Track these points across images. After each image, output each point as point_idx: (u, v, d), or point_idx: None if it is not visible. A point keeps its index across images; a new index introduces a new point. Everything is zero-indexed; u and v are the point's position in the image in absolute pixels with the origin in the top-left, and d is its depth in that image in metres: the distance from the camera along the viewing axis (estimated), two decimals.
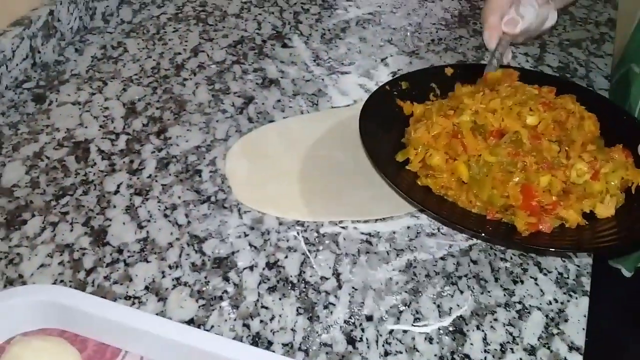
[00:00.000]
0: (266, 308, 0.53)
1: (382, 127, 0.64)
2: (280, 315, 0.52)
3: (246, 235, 0.59)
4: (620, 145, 0.60)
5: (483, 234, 0.55)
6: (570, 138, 0.59)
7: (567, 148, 0.58)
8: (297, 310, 0.53)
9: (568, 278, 0.56)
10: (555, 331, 0.52)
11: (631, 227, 0.56)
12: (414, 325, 0.52)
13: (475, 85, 0.67)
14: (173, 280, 0.55)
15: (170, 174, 0.65)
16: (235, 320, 0.52)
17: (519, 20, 0.67)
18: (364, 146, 0.61)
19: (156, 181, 0.64)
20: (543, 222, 0.55)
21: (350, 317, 0.52)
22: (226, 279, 0.55)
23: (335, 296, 0.54)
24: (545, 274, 0.57)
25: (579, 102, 0.64)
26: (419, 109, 0.66)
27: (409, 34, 0.90)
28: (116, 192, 0.63)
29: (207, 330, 0.50)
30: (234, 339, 0.50)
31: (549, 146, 0.58)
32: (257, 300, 0.54)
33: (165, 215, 0.61)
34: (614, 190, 0.57)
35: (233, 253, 0.57)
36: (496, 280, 0.56)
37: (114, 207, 0.62)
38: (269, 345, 0.50)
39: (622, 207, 0.58)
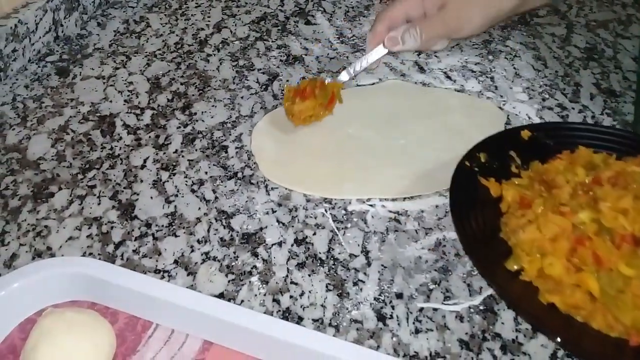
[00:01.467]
0: (296, 284, 0.53)
1: (478, 217, 0.55)
2: (310, 291, 0.52)
3: (274, 211, 0.59)
4: None
5: None
6: None
7: None
8: (327, 286, 0.53)
9: None
10: None
11: None
12: (444, 304, 0.52)
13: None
14: (202, 254, 0.55)
15: (196, 150, 0.65)
16: (265, 295, 0.52)
17: (398, 43, 0.69)
18: (465, 251, 0.54)
19: (182, 156, 0.64)
20: None
21: (380, 295, 0.52)
22: (255, 255, 0.55)
23: (365, 273, 0.54)
24: None
25: None
26: (511, 193, 0.56)
27: None
28: (143, 166, 0.63)
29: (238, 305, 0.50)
30: (264, 313, 0.50)
31: None
32: (287, 276, 0.53)
33: (193, 191, 0.61)
34: None
35: (261, 229, 0.57)
36: None
37: (141, 181, 0.61)
38: (299, 321, 0.50)
39: None
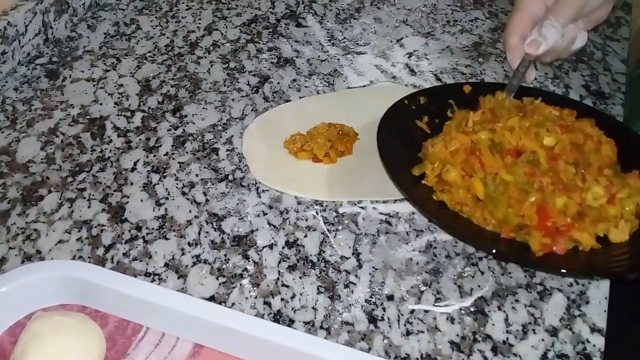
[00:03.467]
0: (287, 286, 0.53)
1: (400, 140, 0.63)
2: (301, 294, 0.52)
3: (265, 214, 0.59)
4: (637, 172, 0.59)
5: (496, 252, 0.54)
6: (587, 161, 0.58)
7: (583, 171, 0.57)
8: (318, 289, 0.53)
9: None
10: (576, 313, 0.52)
11: None
12: (435, 305, 0.52)
13: (479, 108, 0.65)
14: (193, 257, 0.55)
15: (187, 152, 0.65)
16: (256, 298, 0.52)
17: (541, 42, 0.65)
18: (380, 157, 0.60)
19: (173, 159, 0.64)
20: (557, 244, 0.53)
21: (371, 297, 0.52)
22: (246, 257, 0.55)
23: (356, 275, 0.54)
24: None
25: (597, 127, 0.63)
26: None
27: (424, 15, 0.89)
28: (133, 169, 0.63)
29: (229, 308, 0.50)
30: (255, 316, 0.50)
31: (566, 168, 0.57)
32: (278, 278, 0.53)
33: (184, 193, 0.60)
34: (629, 215, 0.56)
35: (252, 231, 0.57)
36: None
37: (131, 184, 0.61)
38: (290, 323, 0.50)
39: (635, 232, 0.56)
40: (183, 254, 0.55)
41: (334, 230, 0.58)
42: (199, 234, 0.57)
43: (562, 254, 0.53)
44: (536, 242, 0.53)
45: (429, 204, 0.58)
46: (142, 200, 0.60)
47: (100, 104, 0.71)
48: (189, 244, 0.56)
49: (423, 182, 0.60)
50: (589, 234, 0.54)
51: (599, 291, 0.54)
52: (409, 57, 0.80)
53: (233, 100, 0.72)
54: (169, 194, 0.60)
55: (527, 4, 0.67)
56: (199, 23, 0.85)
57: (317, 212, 0.59)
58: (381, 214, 0.59)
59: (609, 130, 0.63)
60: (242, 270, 0.54)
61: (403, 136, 0.64)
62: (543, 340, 0.50)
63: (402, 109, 0.67)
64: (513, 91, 0.67)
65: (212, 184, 0.61)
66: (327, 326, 0.50)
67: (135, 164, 0.63)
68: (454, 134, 0.61)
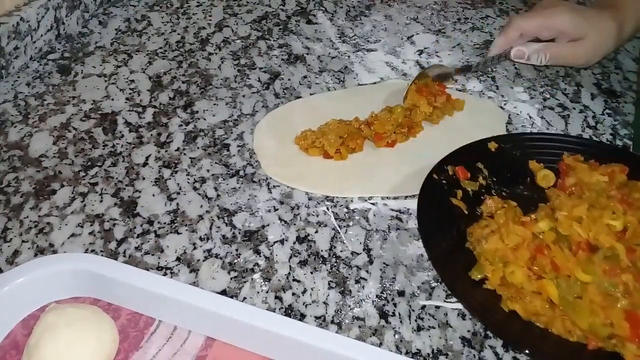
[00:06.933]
0: (298, 281, 0.53)
1: (441, 228, 0.55)
2: (312, 289, 0.52)
3: (276, 209, 0.59)
4: None
5: None
6: None
7: None
8: (329, 284, 0.53)
9: None
10: None
11: None
12: (446, 302, 0.52)
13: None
14: (204, 252, 0.55)
15: (198, 148, 0.65)
16: (267, 292, 0.52)
17: (524, 57, 0.71)
18: (430, 258, 0.54)
19: (184, 154, 0.64)
20: None
21: (382, 292, 0.52)
22: (257, 252, 0.55)
23: (367, 271, 0.54)
24: None
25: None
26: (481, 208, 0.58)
27: (434, 12, 0.89)
28: (145, 164, 0.63)
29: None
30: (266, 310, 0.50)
31: None
32: (289, 273, 0.53)
33: (195, 188, 0.61)
34: None
35: (263, 227, 0.57)
36: None
37: (143, 179, 0.61)
38: (301, 318, 0.50)
39: None
40: (195, 248, 0.55)
41: (344, 226, 0.58)
42: (211, 228, 0.57)
43: None
44: (631, 356, 0.46)
45: (497, 314, 0.50)
46: (153, 195, 0.60)
47: (112, 99, 0.71)
48: (200, 238, 0.56)
49: (484, 287, 0.51)
50: None
51: None
52: (419, 54, 0.80)
53: (244, 96, 0.72)
54: (180, 189, 0.61)
55: (546, 21, 0.70)
56: (210, 20, 0.85)
57: (328, 208, 0.59)
58: (392, 210, 0.59)
59: None
60: (254, 265, 0.54)
61: (444, 222, 0.56)
62: None
63: (434, 187, 0.58)
64: (475, 71, 0.72)
65: (223, 180, 0.62)
66: (338, 321, 0.50)
67: (146, 159, 0.64)
68: (512, 225, 0.53)
